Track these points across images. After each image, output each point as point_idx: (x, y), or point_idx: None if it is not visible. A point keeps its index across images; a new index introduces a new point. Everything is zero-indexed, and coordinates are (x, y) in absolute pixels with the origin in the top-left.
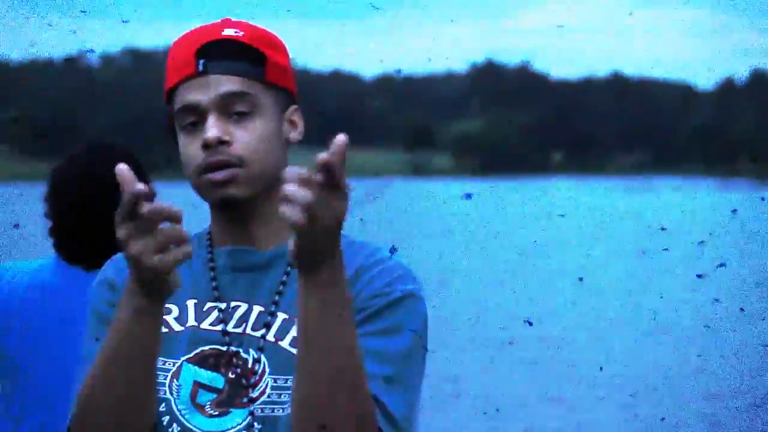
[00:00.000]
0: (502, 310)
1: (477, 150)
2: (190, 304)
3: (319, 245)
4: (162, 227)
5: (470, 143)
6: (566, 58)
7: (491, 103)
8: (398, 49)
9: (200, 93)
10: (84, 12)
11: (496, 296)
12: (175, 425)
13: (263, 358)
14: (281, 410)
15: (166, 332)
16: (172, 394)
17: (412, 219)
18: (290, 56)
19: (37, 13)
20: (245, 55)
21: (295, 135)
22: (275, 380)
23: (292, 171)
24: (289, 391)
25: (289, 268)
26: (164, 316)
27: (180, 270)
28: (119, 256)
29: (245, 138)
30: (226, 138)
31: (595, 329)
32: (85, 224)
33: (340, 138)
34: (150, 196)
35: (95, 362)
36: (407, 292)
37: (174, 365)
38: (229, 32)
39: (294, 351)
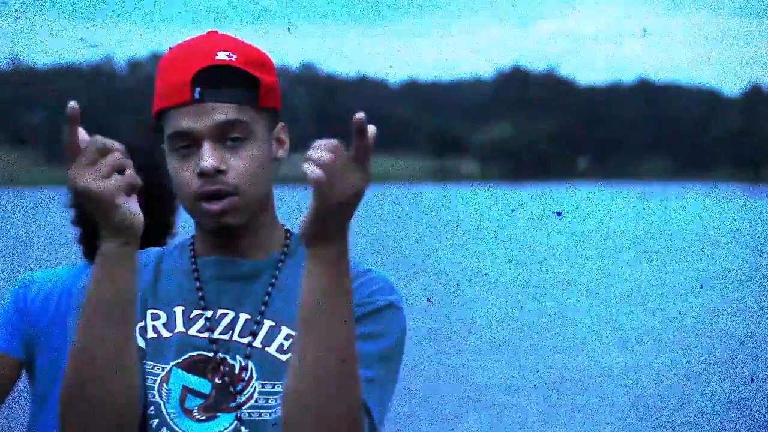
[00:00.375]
0: (528, 315)
1: (503, 156)
2: (178, 310)
3: (333, 218)
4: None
5: (496, 149)
6: (593, 64)
7: (517, 108)
8: (424, 55)
9: (195, 121)
10: (116, 16)
11: (522, 301)
12: (164, 429)
13: (250, 364)
14: (268, 414)
15: (155, 337)
16: (161, 397)
17: (438, 225)
18: (275, 71)
19: (64, 19)
20: (240, 82)
21: (282, 153)
22: (263, 385)
23: (320, 141)
24: (276, 396)
25: (274, 280)
26: (153, 322)
27: (166, 278)
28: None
29: (240, 166)
30: (222, 167)
31: (619, 335)
32: None
33: (360, 116)
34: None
35: (74, 330)
36: (388, 302)
37: (163, 370)
38: (222, 56)
39: (281, 357)
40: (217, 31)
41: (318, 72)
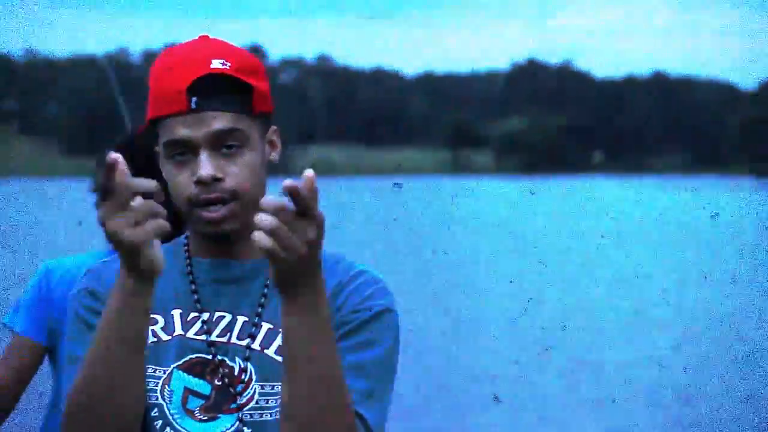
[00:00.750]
0: (543, 308)
1: (518, 149)
2: (176, 314)
3: (295, 271)
4: (135, 203)
5: (511, 142)
6: (608, 57)
7: (533, 102)
8: (440, 48)
9: (192, 129)
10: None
11: (536, 294)
12: (168, 429)
13: (250, 366)
14: (269, 415)
15: (154, 341)
16: (164, 399)
17: (453, 217)
18: (267, 76)
19: (79, 11)
20: (235, 90)
21: (275, 156)
22: (262, 387)
23: (266, 200)
24: (276, 397)
25: (269, 281)
26: (151, 327)
27: (161, 281)
28: (96, 266)
29: (237, 173)
30: (220, 175)
31: (634, 328)
32: None
33: (309, 172)
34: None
35: (88, 351)
36: (382, 307)
37: (165, 372)
38: (216, 64)
39: (279, 359)
40: (208, 36)
41: (333, 64)
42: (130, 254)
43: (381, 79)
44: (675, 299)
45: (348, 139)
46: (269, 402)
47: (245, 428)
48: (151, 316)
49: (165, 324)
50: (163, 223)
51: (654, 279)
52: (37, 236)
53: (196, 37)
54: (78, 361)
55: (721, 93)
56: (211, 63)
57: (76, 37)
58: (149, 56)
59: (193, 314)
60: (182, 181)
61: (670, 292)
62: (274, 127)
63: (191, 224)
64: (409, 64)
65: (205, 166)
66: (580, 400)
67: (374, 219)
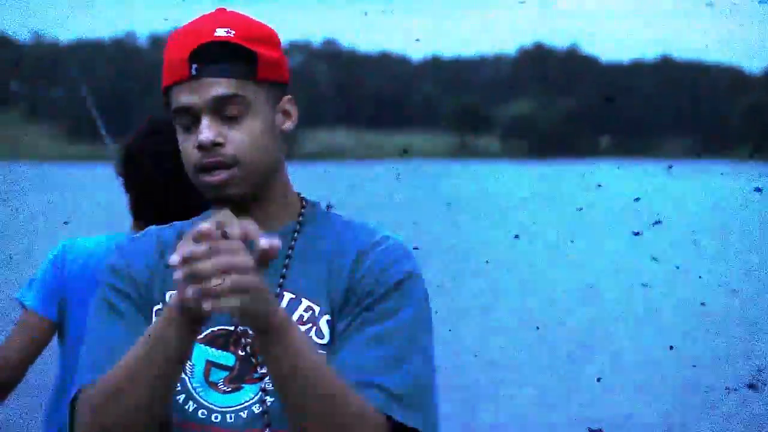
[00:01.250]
0: (554, 292)
1: (525, 133)
2: None
3: (249, 311)
4: (223, 277)
5: (518, 126)
6: (615, 41)
7: (539, 86)
8: (447, 32)
9: (193, 96)
10: None
11: (544, 279)
12: (191, 402)
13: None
14: None
15: None
16: (186, 373)
17: (460, 201)
18: (282, 45)
19: None
20: (236, 56)
21: (288, 125)
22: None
23: (173, 259)
24: None
25: (290, 251)
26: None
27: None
28: (124, 242)
29: (237, 138)
30: (220, 140)
31: (642, 314)
32: (167, 195)
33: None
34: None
35: (125, 359)
36: (405, 273)
37: None
38: (220, 32)
39: (301, 328)
40: (225, 9)
41: (340, 48)
42: (193, 315)
43: (388, 63)
44: (683, 283)
45: (358, 122)
46: None
47: (268, 397)
48: (174, 292)
49: None
50: (236, 303)
51: (662, 263)
52: (32, 221)
53: (213, 11)
54: (96, 338)
55: (729, 78)
56: (215, 31)
57: (83, 20)
58: (156, 41)
59: None
60: (187, 148)
61: (679, 277)
62: (288, 96)
63: (201, 192)
64: (416, 49)
65: (205, 131)
66: (580, 386)
67: (380, 203)
